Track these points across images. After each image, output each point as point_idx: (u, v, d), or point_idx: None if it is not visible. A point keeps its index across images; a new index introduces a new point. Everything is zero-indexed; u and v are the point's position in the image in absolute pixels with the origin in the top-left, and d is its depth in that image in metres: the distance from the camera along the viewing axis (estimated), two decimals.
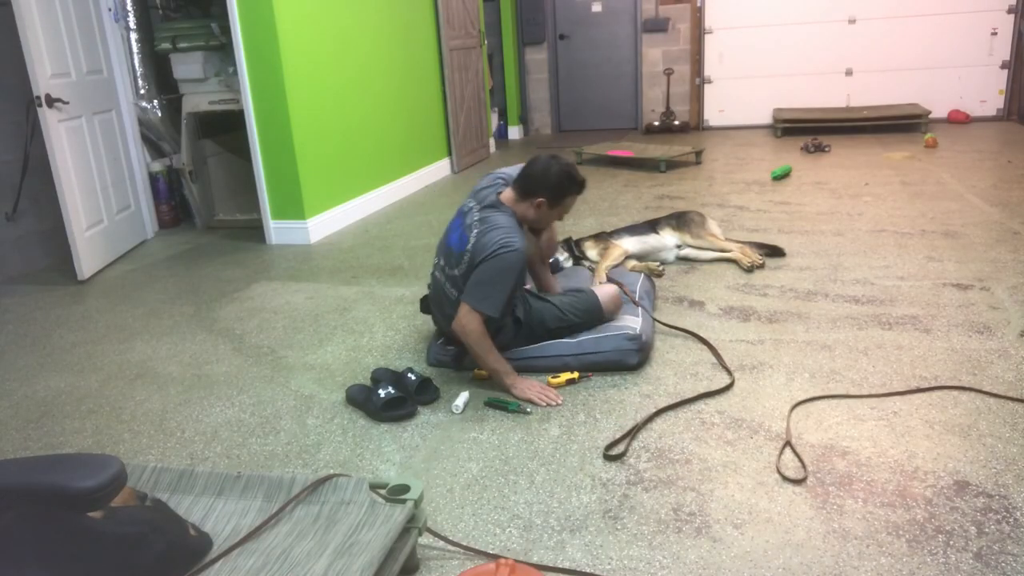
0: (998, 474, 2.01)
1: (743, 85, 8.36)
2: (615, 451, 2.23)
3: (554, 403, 2.55)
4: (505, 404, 2.53)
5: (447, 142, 6.90)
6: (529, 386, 2.61)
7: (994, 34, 7.61)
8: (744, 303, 3.32)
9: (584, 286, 3.05)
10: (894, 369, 2.63)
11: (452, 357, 2.86)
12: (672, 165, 6.44)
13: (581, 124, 9.02)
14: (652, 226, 3.98)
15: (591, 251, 3.76)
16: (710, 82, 8.48)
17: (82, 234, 4.31)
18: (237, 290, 3.99)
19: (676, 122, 8.38)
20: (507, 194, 2.73)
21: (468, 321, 2.58)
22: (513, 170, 2.84)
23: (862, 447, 2.18)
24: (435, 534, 1.90)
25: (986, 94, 7.80)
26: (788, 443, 2.21)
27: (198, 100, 5.16)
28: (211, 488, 1.83)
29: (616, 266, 3.63)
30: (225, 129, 5.51)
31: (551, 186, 2.67)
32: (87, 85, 4.51)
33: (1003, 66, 7.69)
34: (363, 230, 5.07)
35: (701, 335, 2.97)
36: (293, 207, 4.81)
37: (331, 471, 2.19)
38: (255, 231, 5.05)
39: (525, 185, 2.70)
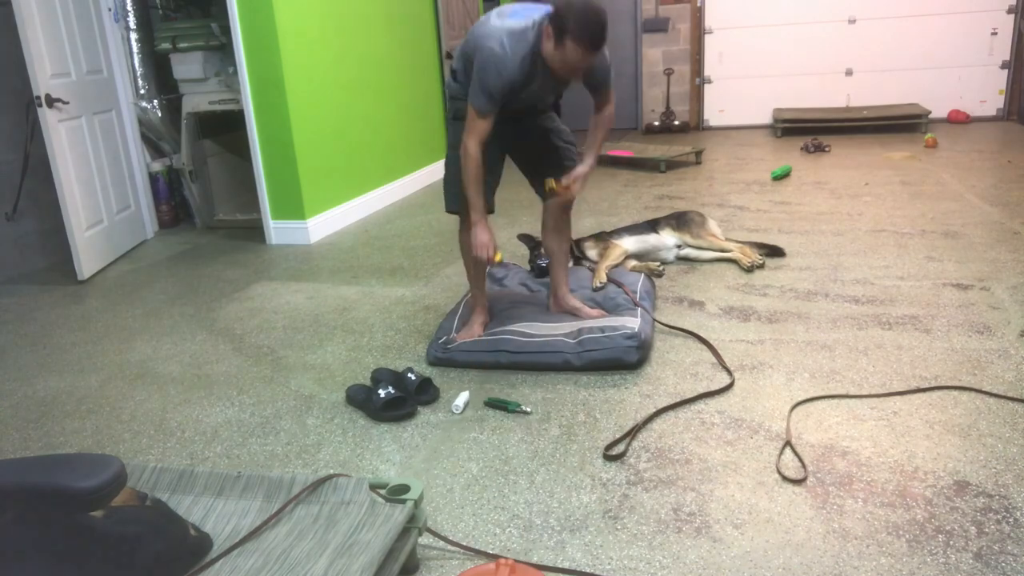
0: (998, 474, 2.01)
1: (743, 85, 8.36)
2: (615, 451, 2.23)
3: (483, 256, 2.67)
4: (505, 404, 2.53)
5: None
6: (481, 244, 2.68)
7: (994, 34, 7.61)
8: (744, 303, 3.32)
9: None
10: (894, 369, 2.63)
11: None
12: (672, 165, 6.44)
13: (581, 124, 8.96)
14: (652, 226, 3.99)
15: (591, 251, 3.76)
16: (710, 82, 8.48)
17: (82, 234, 4.31)
18: (237, 290, 3.99)
19: (676, 122, 8.38)
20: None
21: (469, 124, 2.60)
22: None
23: (862, 447, 2.18)
24: (435, 534, 1.90)
25: (986, 94, 7.80)
26: (788, 443, 2.21)
27: (198, 100, 5.16)
28: (211, 488, 1.83)
29: (616, 266, 3.63)
30: (225, 129, 5.51)
31: (560, 15, 2.41)
32: (87, 85, 4.51)
33: (1003, 66, 7.69)
34: (363, 230, 5.07)
35: (701, 335, 2.97)
36: (293, 207, 4.81)
37: (331, 471, 2.19)
38: (255, 231, 5.05)
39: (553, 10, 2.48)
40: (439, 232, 4.86)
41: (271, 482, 1.82)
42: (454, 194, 2.86)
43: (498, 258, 2.75)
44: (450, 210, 2.94)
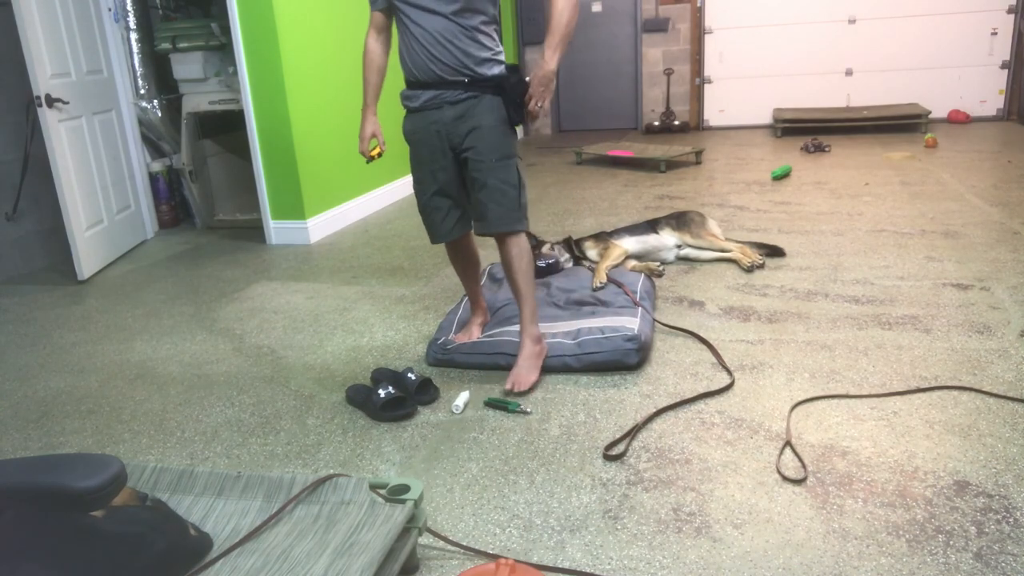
0: (998, 474, 2.01)
1: (743, 85, 8.36)
2: (615, 451, 2.23)
3: (362, 153, 2.70)
4: (505, 404, 2.53)
5: None
6: (361, 137, 2.72)
7: (994, 34, 7.61)
8: (744, 303, 3.32)
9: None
10: (894, 369, 2.63)
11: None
12: (672, 165, 6.44)
13: (581, 124, 9.02)
14: (652, 226, 3.98)
15: (591, 251, 3.76)
16: (710, 82, 8.48)
17: (82, 234, 4.31)
18: (237, 290, 3.99)
19: (676, 122, 8.38)
20: None
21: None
22: None
23: (862, 447, 2.18)
24: (435, 534, 1.90)
25: (986, 94, 7.80)
26: (788, 443, 2.21)
27: (198, 100, 5.16)
28: (211, 488, 1.83)
29: (616, 266, 3.63)
30: (225, 129, 5.51)
31: None
32: (87, 85, 4.51)
33: (1003, 66, 7.69)
34: (363, 230, 5.07)
35: (701, 335, 2.97)
36: (293, 207, 4.81)
37: (331, 471, 2.19)
38: (255, 231, 5.06)
39: None
40: None
41: (271, 482, 1.82)
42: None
43: (374, 152, 2.70)
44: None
